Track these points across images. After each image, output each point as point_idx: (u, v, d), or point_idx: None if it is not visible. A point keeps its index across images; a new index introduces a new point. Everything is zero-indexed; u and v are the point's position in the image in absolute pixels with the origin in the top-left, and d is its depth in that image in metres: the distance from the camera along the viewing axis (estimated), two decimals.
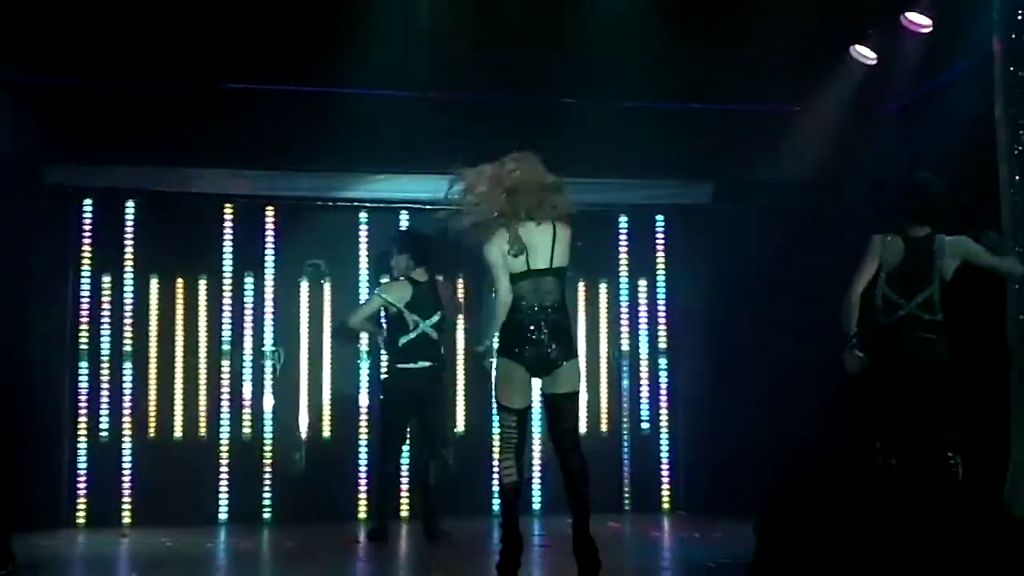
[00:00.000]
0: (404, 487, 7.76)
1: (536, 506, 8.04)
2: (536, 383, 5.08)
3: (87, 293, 7.73)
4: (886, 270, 5.34)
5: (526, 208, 4.94)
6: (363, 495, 7.91)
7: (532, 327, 4.92)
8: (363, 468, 7.94)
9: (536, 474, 7.97)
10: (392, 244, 7.08)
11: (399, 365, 6.70)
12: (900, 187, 5.49)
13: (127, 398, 7.74)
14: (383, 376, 7.19)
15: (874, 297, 5.36)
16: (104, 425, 7.68)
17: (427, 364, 6.60)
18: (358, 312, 7.01)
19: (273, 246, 8.01)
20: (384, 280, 7.37)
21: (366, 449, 7.95)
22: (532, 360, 4.94)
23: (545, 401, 5.08)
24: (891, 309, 5.31)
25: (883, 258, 5.35)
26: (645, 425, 8.39)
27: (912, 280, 5.30)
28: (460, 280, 7.88)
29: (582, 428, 8.26)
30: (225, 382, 7.88)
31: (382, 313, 6.95)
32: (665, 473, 8.33)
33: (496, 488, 7.66)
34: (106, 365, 7.74)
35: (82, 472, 7.59)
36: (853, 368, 5.38)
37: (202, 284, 7.94)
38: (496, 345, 5.07)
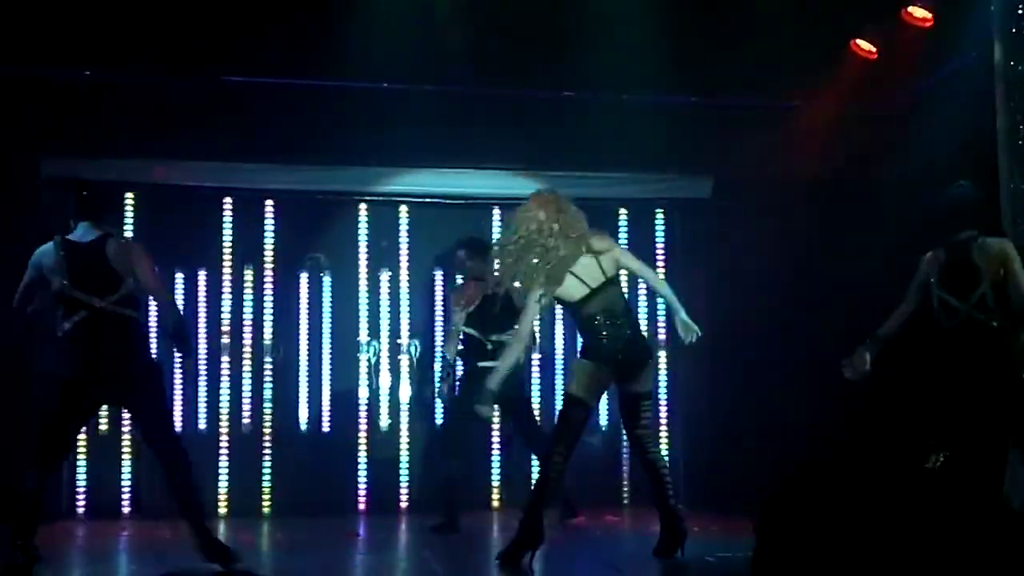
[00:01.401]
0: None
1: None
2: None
3: None
4: (935, 277, 5.28)
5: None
6: (363, 488, 7.92)
7: (608, 337, 5.42)
8: (363, 461, 7.94)
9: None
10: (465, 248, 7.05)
11: (480, 364, 6.61)
12: (940, 202, 5.39)
13: None
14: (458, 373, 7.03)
15: (930, 305, 5.28)
16: (104, 417, 7.67)
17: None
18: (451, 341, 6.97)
19: (273, 239, 8.00)
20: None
21: (365, 442, 7.96)
22: (612, 357, 5.43)
23: (624, 399, 5.58)
24: (950, 314, 5.24)
25: (930, 270, 5.31)
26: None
27: (962, 280, 5.23)
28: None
29: None
30: (224, 375, 7.88)
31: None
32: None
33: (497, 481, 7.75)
34: None
35: (82, 464, 7.59)
36: (856, 370, 5.34)
37: (201, 277, 7.93)
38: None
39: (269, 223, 7.99)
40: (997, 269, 5.16)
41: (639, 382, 5.53)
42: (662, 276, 8.19)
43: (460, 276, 7.35)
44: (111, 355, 5.15)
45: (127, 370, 5.18)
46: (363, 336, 8.04)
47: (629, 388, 5.54)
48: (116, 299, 5.17)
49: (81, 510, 7.56)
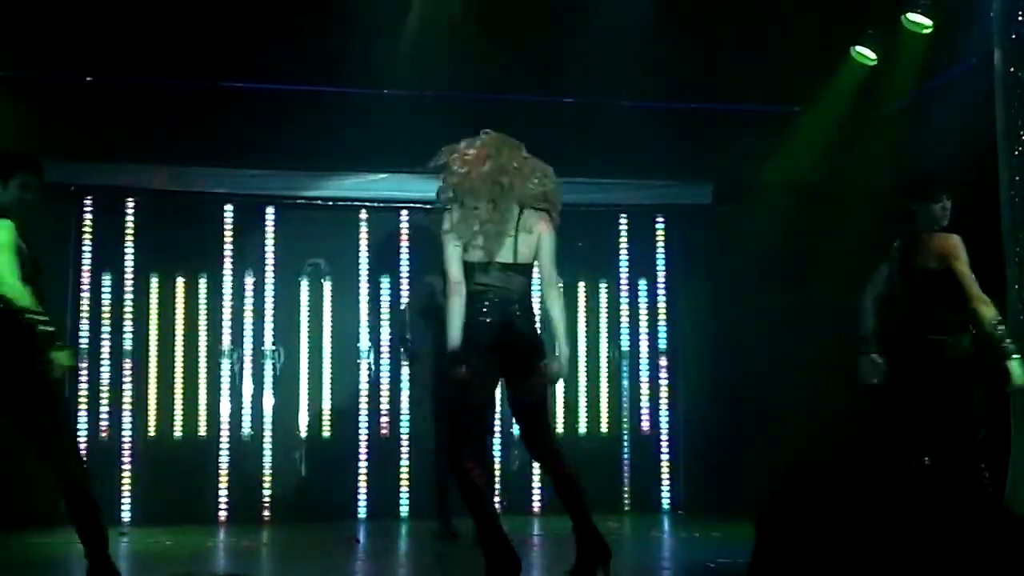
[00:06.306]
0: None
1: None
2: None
3: (87, 292, 7.73)
4: None
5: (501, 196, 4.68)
6: (362, 494, 7.91)
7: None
8: (363, 467, 7.93)
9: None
10: None
11: None
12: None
13: (127, 397, 7.74)
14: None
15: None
16: (104, 424, 7.68)
17: None
18: None
19: (273, 245, 8.01)
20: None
21: (366, 448, 7.96)
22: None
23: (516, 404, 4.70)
24: None
25: None
26: (645, 425, 8.39)
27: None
28: None
29: (582, 428, 8.32)
30: (225, 381, 7.88)
31: None
32: (665, 473, 8.33)
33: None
34: (106, 364, 7.74)
35: None
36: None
37: (202, 283, 7.94)
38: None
39: (269, 229, 8.01)
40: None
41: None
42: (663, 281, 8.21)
43: None
44: None
45: None
46: (364, 342, 8.05)
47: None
48: None
49: None
